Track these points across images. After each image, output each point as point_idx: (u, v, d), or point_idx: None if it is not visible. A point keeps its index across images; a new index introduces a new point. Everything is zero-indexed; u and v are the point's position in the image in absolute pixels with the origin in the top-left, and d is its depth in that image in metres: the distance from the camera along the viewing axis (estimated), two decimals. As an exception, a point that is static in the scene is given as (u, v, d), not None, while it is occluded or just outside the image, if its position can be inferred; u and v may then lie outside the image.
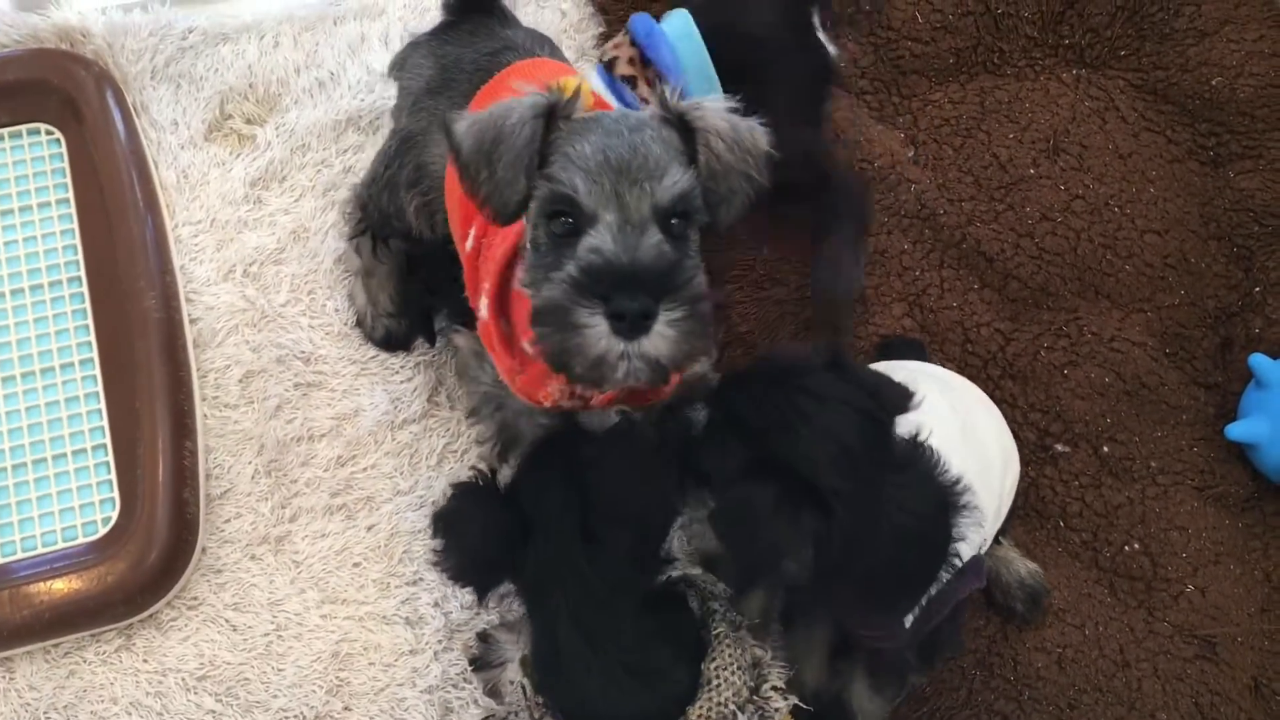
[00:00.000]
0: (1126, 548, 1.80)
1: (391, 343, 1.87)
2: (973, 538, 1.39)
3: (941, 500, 1.34)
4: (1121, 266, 1.96)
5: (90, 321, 1.80)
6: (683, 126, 1.26)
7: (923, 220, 1.97)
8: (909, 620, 1.40)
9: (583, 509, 1.40)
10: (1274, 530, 1.85)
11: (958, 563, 1.37)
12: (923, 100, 2.09)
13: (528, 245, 1.30)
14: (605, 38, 2.08)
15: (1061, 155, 2.03)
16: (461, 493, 1.48)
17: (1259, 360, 1.84)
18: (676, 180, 1.21)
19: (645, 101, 1.75)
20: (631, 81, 1.78)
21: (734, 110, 1.28)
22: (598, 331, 1.16)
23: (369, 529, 1.76)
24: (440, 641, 1.70)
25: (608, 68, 1.80)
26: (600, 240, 1.19)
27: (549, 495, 1.42)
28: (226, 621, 1.71)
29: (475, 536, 1.44)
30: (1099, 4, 2.11)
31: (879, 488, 1.25)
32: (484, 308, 1.46)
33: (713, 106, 1.27)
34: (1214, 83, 2.05)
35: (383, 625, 1.72)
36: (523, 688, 1.49)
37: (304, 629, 1.71)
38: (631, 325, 1.15)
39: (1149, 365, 1.90)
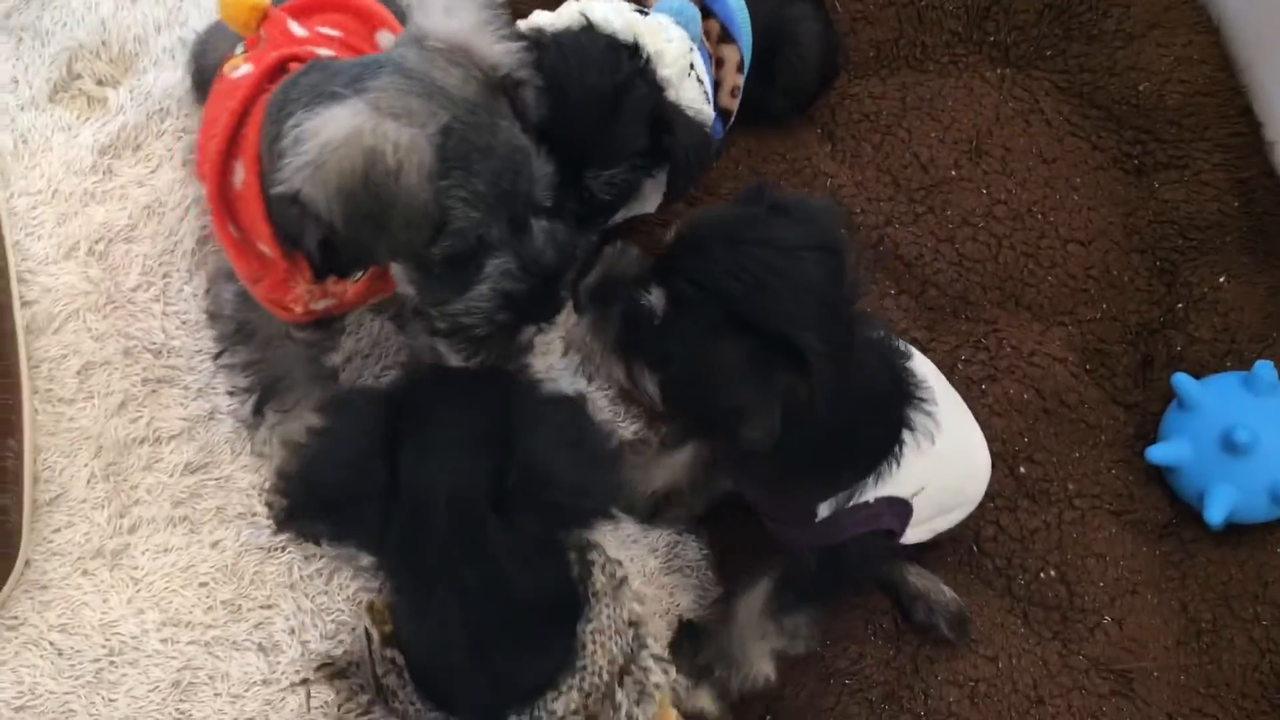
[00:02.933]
0: (1042, 574, 1.70)
1: None
2: (913, 466, 1.32)
3: (900, 380, 1.31)
4: (1044, 277, 1.86)
5: (-97, 301, 1.58)
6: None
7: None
8: (822, 511, 1.34)
9: (496, 484, 1.12)
10: (1192, 558, 1.76)
11: (895, 469, 1.32)
12: (840, 93, 1.97)
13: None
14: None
15: (984, 158, 1.92)
16: (339, 409, 1.20)
17: (1182, 380, 1.75)
18: (544, 173, 1.22)
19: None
20: None
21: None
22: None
23: (214, 545, 1.57)
24: (298, 672, 1.52)
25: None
26: (509, 266, 1.21)
27: (449, 459, 1.13)
28: (51, 645, 1.51)
29: (338, 473, 1.13)
30: (1025, 1, 2.01)
31: (850, 348, 1.19)
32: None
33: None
34: (1141, 88, 1.97)
35: (232, 652, 1.53)
36: (367, 635, 1.23)
37: (141, 654, 1.52)
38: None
39: (1069, 382, 1.80)
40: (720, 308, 1.15)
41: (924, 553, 1.64)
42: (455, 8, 1.22)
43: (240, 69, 1.37)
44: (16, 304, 1.63)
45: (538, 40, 1.49)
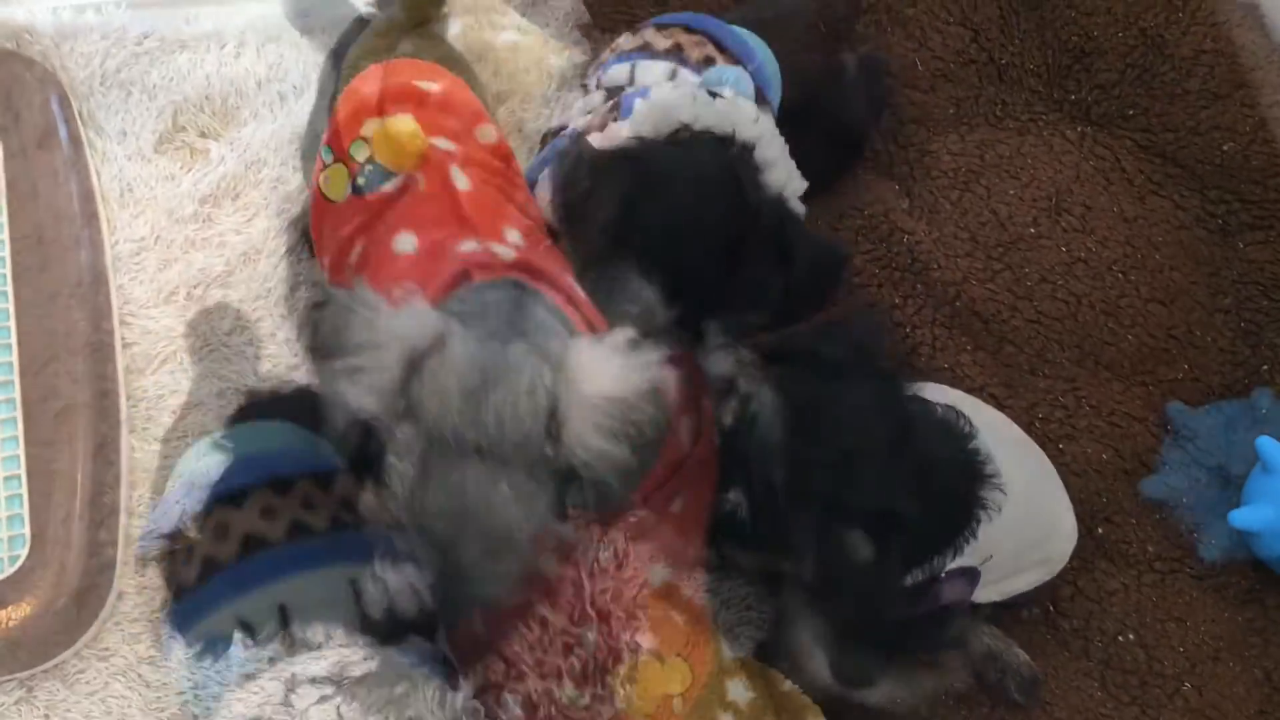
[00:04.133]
0: (1120, 638, 1.68)
1: None
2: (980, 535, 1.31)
3: (969, 464, 1.29)
4: (1124, 336, 1.85)
5: (13, 339, 1.65)
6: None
7: (915, 274, 1.86)
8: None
9: None
10: (1275, 625, 1.73)
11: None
12: (920, 150, 1.98)
13: None
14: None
15: (1064, 215, 1.92)
16: None
17: (1266, 443, 1.72)
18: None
19: None
20: (710, 64, 1.60)
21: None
22: None
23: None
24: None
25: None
26: None
27: None
28: (140, 677, 1.56)
29: None
30: (1108, 60, 2.01)
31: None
32: None
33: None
34: (1225, 148, 1.95)
35: (309, 688, 1.56)
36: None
37: (224, 689, 1.55)
38: None
39: (1149, 443, 1.79)
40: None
41: (1001, 612, 1.63)
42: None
43: (400, 243, 1.35)
44: (118, 344, 1.70)
45: (635, 154, 1.38)
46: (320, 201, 1.43)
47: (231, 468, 1.37)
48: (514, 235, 1.36)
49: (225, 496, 1.34)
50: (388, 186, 1.37)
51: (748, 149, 1.39)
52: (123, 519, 1.60)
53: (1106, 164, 1.98)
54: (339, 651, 1.23)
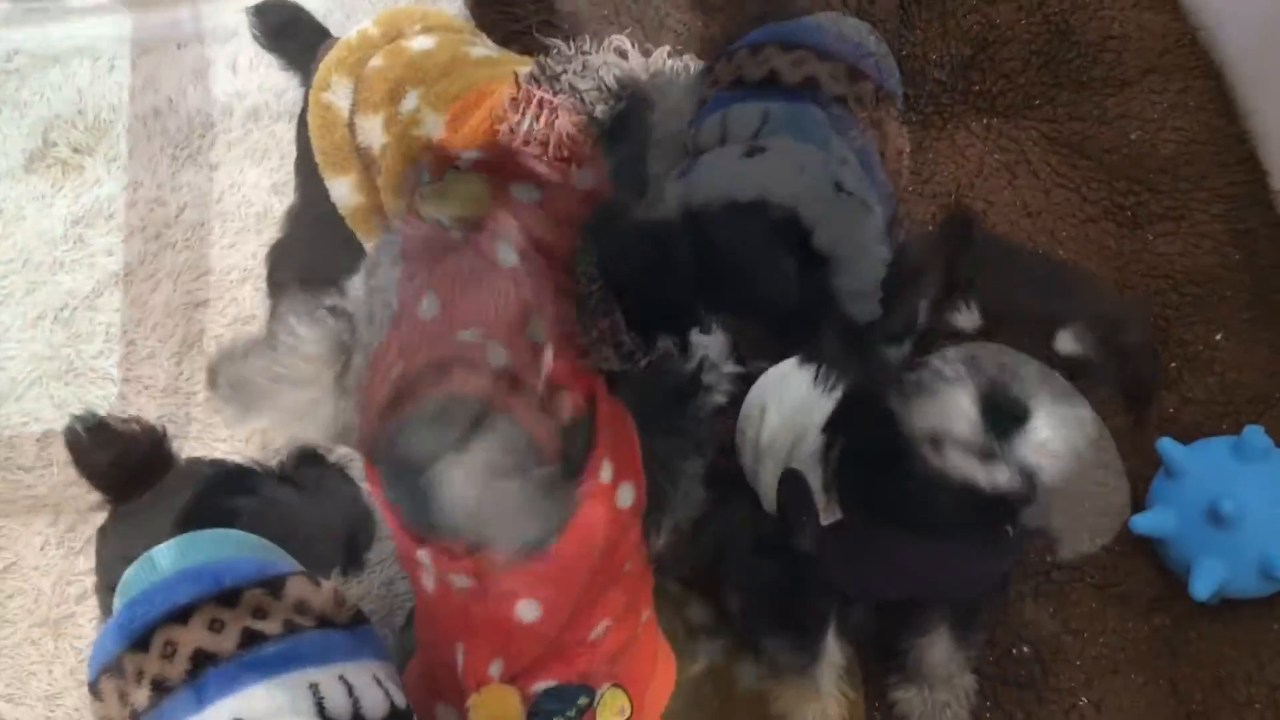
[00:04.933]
0: (1014, 651, 1.62)
1: None
2: None
3: None
4: (1023, 335, 1.78)
5: None
6: None
7: (805, 279, 1.80)
8: None
9: None
10: (1184, 634, 1.66)
11: None
12: (818, 147, 1.92)
13: None
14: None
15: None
16: None
17: (1168, 445, 1.66)
18: None
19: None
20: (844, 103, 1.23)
21: None
22: None
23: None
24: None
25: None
26: None
27: None
28: (-3, 715, 1.53)
29: None
30: (1012, 48, 1.95)
31: None
32: None
33: None
34: (1133, 137, 1.88)
35: (171, 725, 1.53)
36: None
37: (81, 728, 1.52)
38: None
39: (1048, 444, 1.72)
40: None
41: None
42: None
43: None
44: (-20, 373, 1.66)
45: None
46: None
47: (172, 583, 1.30)
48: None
49: (169, 615, 1.28)
50: None
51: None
52: (-22, 554, 1.57)
53: (1012, 157, 1.91)
54: None
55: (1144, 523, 1.65)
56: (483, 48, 1.55)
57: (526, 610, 1.13)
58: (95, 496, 1.60)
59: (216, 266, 1.77)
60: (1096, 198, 1.89)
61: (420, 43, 1.47)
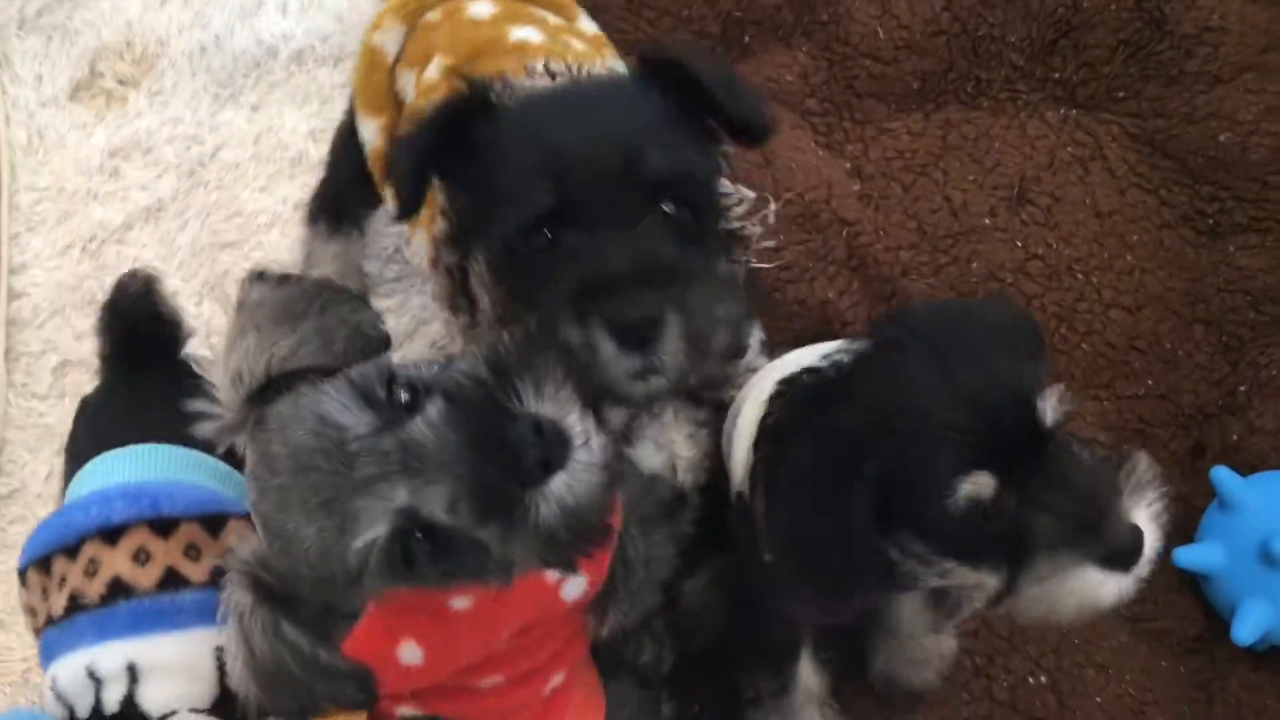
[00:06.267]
0: (1030, 679, 1.51)
1: None
2: None
3: None
4: (1077, 344, 1.66)
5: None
6: None
7: (852, 269, 1.70)
8: None
9: None
10: (1223, 680, 1.53)
11: None
12: (878, 128, 1.81)
13: None
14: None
15: (1027, 206, 1.74)
16: None
17: (1224, 475, 1.53)
18: None
19: None
20: None
21: None
22: None
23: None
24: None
25: None
26: None
27: None
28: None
29: None
30: (1099, 35, 1.80)
31: None
32: None
33: None
34: (1222, 139, 1.73)
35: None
36: None
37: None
38: None
39: (1093, 461, 1.60)
40: None
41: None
42: None
43: None
44: (4, 297, 1.66)
45: None
46: None
47: (111, 496, 1.26)
48: None
49: (102, 530, 1.25)
50: None
51: None
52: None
53: (1087, 151, 1.78)
54: None
55: (1189, 556, 1.53)
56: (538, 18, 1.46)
57: (408, 653, 1.08)
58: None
59: (247, 209, 1.75)
60: (1176, 202, 1.75)
61: (477, 9, 1.39)
